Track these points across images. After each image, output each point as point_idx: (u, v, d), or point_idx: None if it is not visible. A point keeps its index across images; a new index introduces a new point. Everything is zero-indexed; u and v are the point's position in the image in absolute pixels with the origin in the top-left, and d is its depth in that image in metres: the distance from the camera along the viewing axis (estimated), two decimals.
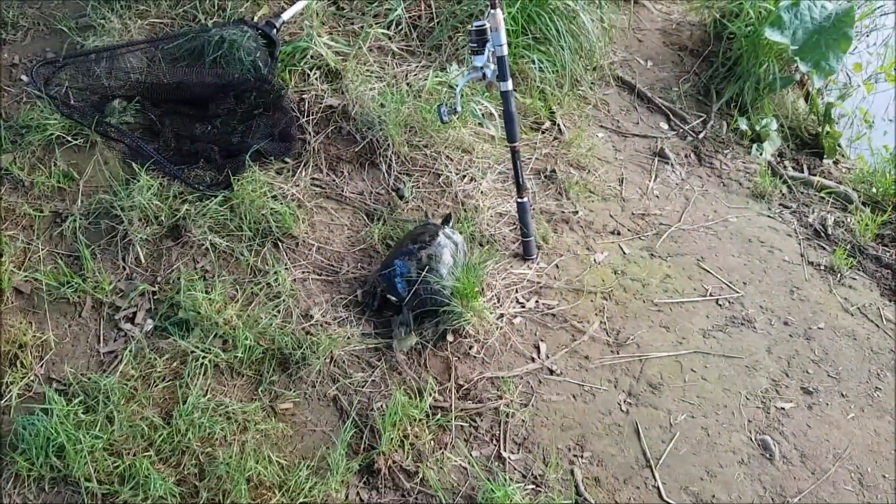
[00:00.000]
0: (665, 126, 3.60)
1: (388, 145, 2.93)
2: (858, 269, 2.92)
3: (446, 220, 2.71)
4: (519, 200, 2.67)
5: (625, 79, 3.76)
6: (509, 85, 2.55)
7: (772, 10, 3.56)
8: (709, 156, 3.46)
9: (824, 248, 3.02)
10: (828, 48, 3.55)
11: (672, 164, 3.35)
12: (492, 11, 2.47)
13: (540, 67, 3.37)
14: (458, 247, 2.53)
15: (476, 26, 2.53)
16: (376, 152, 2.94)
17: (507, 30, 3.25)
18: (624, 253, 2.85)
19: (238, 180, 2.62)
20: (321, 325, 2.39)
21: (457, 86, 2.78)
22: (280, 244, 2.58)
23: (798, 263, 2.91)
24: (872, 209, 3.36)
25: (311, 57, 3.11)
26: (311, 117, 2.97)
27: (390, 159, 2.93)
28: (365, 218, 2.78)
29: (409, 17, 3.41)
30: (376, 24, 3.33)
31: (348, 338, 2.36)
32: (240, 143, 2.77)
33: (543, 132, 3.35)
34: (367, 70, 3.18)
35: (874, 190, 3.47)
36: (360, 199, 2.83)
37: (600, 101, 3.63)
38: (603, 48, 3.74)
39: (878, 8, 4.35)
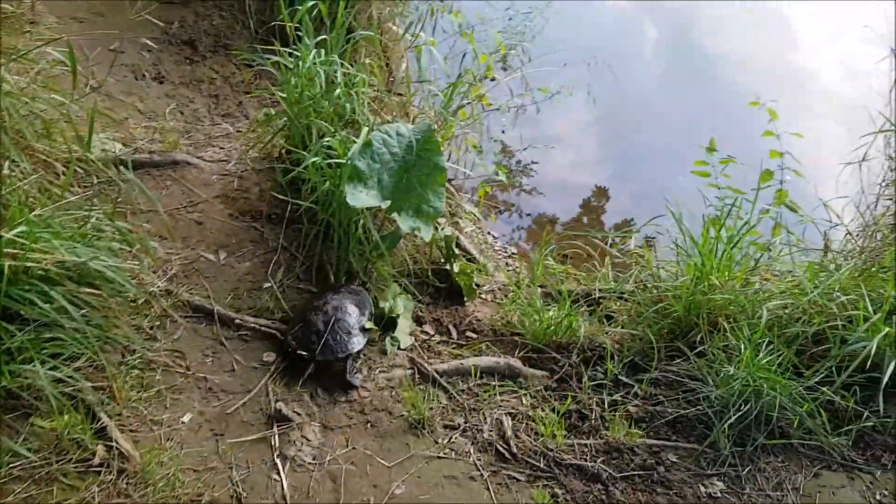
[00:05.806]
0: (272, 356, 2.63)
1: None
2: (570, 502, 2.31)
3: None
4: None
5: (195, 302, 2.69)
6: None
7: (344, 163, 2.77)
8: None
9: (518, 479, 2.36)
10: (424, 187, 2.88)
11: (296, 427, 2.41)
12: None
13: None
14: (363, 298, 2.76)
15: None
16: None
17: None
18: None
19: None
20: None
21: None
22: None
23: None
24: (540, 365, 2.83)
25: None
26: None
27: None
28: None
29: None
30: None
31: None
32: None
33: (99, 468, 2.14)
34: None
35: (526, 324, 2.96)
36: None
37: (165, 353, 2.52)
38: (146, 268, 2.63)
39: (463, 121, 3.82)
